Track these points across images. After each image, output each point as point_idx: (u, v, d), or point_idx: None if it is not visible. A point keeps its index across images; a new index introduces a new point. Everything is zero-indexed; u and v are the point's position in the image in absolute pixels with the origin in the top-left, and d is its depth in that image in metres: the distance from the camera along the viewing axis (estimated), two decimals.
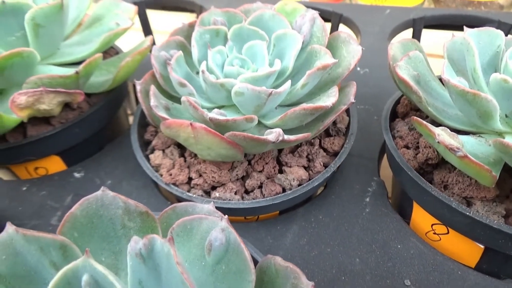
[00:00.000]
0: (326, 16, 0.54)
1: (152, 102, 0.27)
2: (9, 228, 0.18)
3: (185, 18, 0.77)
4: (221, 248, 0.19)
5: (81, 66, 0.30)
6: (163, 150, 0.32)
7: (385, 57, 0.31)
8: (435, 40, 0.60)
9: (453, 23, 0.53)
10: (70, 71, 0.34)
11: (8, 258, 0.18)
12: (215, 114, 0.26)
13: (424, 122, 0.24)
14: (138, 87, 0.30)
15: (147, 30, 0.60)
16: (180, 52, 0.30)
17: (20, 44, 0.33)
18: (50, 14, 0.31)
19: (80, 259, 0.16)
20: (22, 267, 0.18)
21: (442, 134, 0.23)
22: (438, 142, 0.22)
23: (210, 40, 0.32)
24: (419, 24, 0.54)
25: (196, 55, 0.30)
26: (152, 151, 0.33)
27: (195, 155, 0.31)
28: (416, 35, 0.55)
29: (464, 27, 0.28)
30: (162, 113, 0.27)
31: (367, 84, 0.43)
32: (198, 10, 0.62)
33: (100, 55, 0.32)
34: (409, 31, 0.54)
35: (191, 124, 0.25)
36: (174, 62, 0.29)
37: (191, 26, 0.35)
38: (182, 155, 0.32)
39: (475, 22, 0.50)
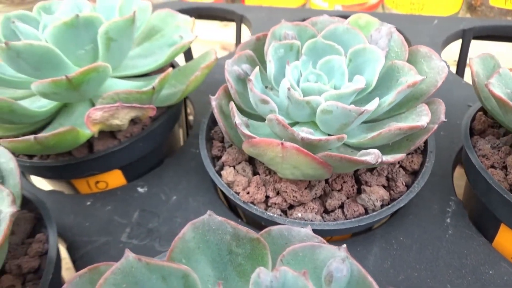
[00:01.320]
0: None
1: (237, 119, 0.26)
2: (129, 255, 0.17)
3: (216, 26, 0.77)
4: (344, 280, 0.18)
5: (156, 81, 0.30)
6: (234, 167, 0.32)
7: None
8: (480, 50, 0.59)
9: (503, 34, 0.52)
10: (138, 85, 0.34)
11: (128, 286, 0.17)
12: (306, 134, 0.25)
13: None
14: (213, 103, 0.30)
15: None
16: (257, 68, 0.29)
17: (89, 58, 0.33)
18: (122, 28, 0.31)
19: None
20: None
21: None
22: None
23: (284, 55, 0.31)
24: (469, 35, 0.53)
25: (272, 71, 0.30)
26: (222, 167, 0.32)
27: (270, 173, 0.30)
28: (465, 46, 0.54)
29: None
30: (247, 131, 0.26)
31: None
32: (238, 19, 0.61)
33: (171, 70, 0.31)
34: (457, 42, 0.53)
35: (282, 143, 0.24)
36: (254, 79, 0.28)
37: (258, 40, 0.34)
38: (254, 172, 0.31)
39: None
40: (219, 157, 0.33)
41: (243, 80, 0.32)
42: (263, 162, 0.28)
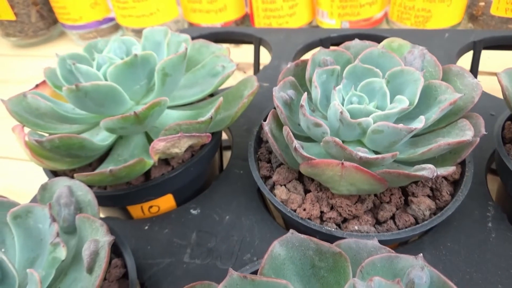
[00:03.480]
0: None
1: (296, 144, 0.29)
2: (233, 273, 0.19)
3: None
4: (424, 286, 0.20)
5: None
6: (285, 185, 0.34)
7: None
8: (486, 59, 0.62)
9: (510, 43, 0.55)
10: (189, 114, 0.36)
11: None
12: (362, 153, 0.27)
13: None
14: (266, 128, 0.32)
15: None
16: (305, 95, 0.32)
17: (143, 91, 0.35)
18: (176, 64, 0.33)
19: None
20: None
21: None
22: None
23: (326, 79, 0.34)
24: (479, 46, 0.56)
25: (318, 95, 0.32)
26: (273, 187, 0.35)
27: (321, 189, 0.32)
28: (476, 57, 0.57)
29: None
30: (306, 154, 0.28)
31: None
32: (257, 42, 0.64)
33: (222, 99, 0.34)
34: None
35: (342, 163, 0.26)
36: (306, 104, 0.31)
37: (297, 66, 0.37)
38: (305, 189, 0.34)
39: None
40: (268, 177, 0.36)
41: (289, 104, 0.34)
42: (319, 181, 0.31)
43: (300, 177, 0.35)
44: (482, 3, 0.76)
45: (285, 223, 0.36)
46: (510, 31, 0.59)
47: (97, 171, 0.29)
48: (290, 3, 0.78)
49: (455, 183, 0.33)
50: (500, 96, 0.40)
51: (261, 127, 0.39)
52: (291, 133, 0.30)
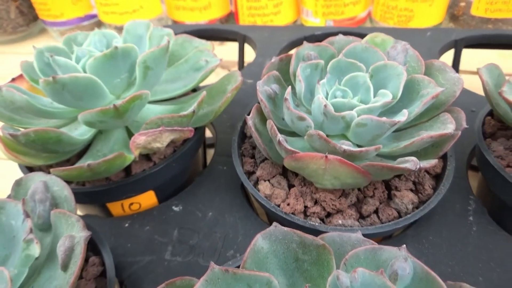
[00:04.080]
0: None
1: (280, 137, 0.28)
2: (215, 267, 0.19)
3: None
4: (408, 277, 0.20)
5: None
6: (269, 180, 0.34)
7: None
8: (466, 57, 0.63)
9: (491, 42, 0.56)
10: (171, 108, 0.35)
11: None
12: (346, 146, 0.27)
13: None
14: (250, 122, 0.32)
15: None
16: (289, 89, 0.31)
17: (124, 85, 0.34)
18: (158, 57, 0.32)
19: None
20: None
21: None
22: None
23: (310, 74, 0.34)
24: (460, 44, 0.57)
25: (302, 89, 0.32)
26: (256, 182, 0.34)
27: (305, 184, 0.32)
28: (457, 55, 0.57)
29: None
30: (290, 147, 0.28)
31: None
32: (241, 39, 0.64)
33: (205, 93, 0.33)
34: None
35: (326, 156, 0.26)
36: (290, 98, 0.30)
37: (281, 60, 0.37)
38: (289, 184, 0.33)
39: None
40: (252, 173, 0.35)
41: (273, 99, 0.34)
42: (303, 175, 0.30)
43: (284, 172, 0.34)
44: (463, 3, 0.77)
45: (268, 219, 0.36)
46: (490, 30, 0.60)
47: (74, 165, 0.28)
48: (275, 2, 0.78)
49: (437, 177, 0.33)
50: (481, 93, 0.41)
51: (244, 123, 0.38)
52: (275, 127, 0.29)
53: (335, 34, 0.60)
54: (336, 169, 0.27)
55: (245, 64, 0.61)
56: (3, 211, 0.25)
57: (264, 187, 0.33)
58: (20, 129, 0.31)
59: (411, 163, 0.26)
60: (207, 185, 0.38)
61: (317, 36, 0.60)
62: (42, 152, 0.33)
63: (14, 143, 0.31)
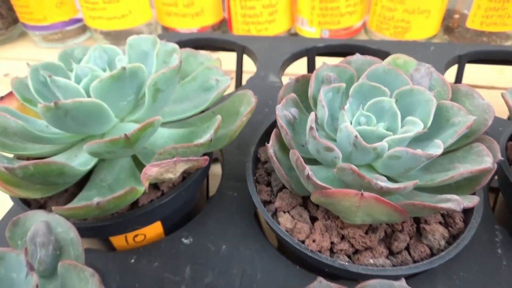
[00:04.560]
0: (371, 54, 0.55)
1: (309, 171, 0.26)
2: None
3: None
4: None
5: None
6: (288, 212, 0.31)
7: None
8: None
9: (495, 58, 0.56)
10: (181, 132, 0.33)
11: None
12: (383, 183, 0.25)
13: None
14: (270, 150, 0.29)
15: None
16: (313, 115, 0.29)
17: (129, 108, 0.31)
18: (170, 78, 0.30)
19: None
20: None
21: None
22: None
23: (332, 98, 0.32)
24: (464, 59, 0.56)
25: (326, 115, 0.30)
26: (274, 213, 0.32)
27: (329, 217, 0.30)
28: (461, 71, 0.57)
29: None
30: (321, 183, 0.26)
31: None
32: (240, 50, 0.61)
33: (220, 118, 0.31)
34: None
35: (361, 194, 0.24)
36: (314, 126, 0.28)
37: (298, 81, 0.35)
38: (311, 216, 0.31)
39: None
40: (268, 202, 0.33)
41: (292, 124, 0.32)
42: (331, 210, 0.28)
43: (305, 203, 0.32)
44: (457, 16, 0.77)
45: (281, 247, 0.34)
46: (493, 45, 0.60)
47: (81, 204, 0.25)
48: (270, 10, 0.76)
49: (464, 209, 0.31)
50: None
51: (258, 146, 0.36)
52: (301, 159, 0.27)
53: (337, 47, 0.59)
54: (371, 207, 0.25)
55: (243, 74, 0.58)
56: (2, 263, 0.21)
57: (285, 220, 0.30)
58: (9, 155, 0.28)
59: (454, 203, 0.24)
60: (218, 214, 0.36)
61: (319, 49, 0.58)
62: (40, 184, 0.30)
63: (10, 176, 0.27)
